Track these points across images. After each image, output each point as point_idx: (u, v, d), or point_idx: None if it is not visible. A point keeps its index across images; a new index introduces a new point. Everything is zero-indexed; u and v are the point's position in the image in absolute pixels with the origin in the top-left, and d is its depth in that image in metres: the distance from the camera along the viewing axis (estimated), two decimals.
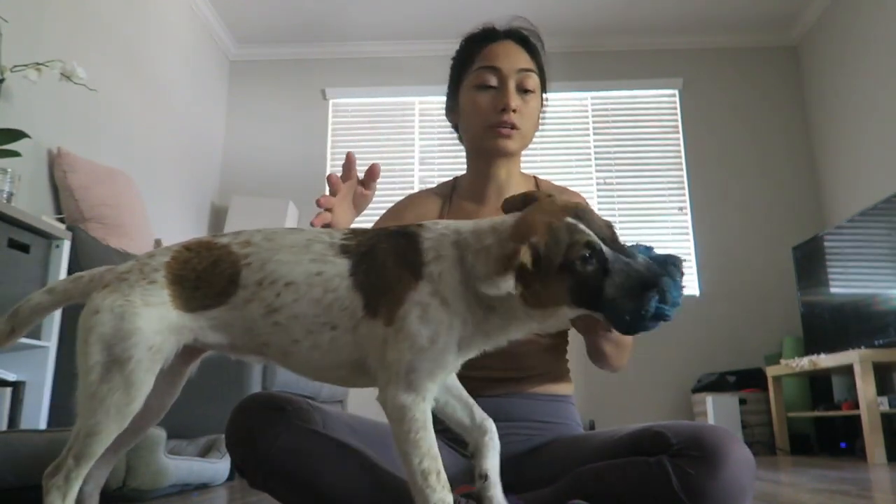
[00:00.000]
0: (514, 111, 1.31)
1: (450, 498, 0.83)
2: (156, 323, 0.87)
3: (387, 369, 0.86)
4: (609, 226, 0.86)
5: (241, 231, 0.97)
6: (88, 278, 0.94)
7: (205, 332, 0.91)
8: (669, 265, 0.83)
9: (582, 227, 0.82)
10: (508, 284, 0.79)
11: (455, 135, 1.48)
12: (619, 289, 0.80)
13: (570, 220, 0.82)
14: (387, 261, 0.89)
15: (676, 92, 5.05)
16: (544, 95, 1.41)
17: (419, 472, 0.83)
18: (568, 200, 0.88)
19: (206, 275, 0.91)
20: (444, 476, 0.84)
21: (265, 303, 0.89)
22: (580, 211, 0.85)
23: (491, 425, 0.96)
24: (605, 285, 0.81)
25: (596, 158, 4.97)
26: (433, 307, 0.85)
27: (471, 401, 0.98)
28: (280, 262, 0.91)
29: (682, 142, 4.98)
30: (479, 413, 0.97)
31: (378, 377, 0.88)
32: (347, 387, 0.97)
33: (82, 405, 0.86)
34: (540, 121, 1.43)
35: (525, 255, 0.80)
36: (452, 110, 1.44)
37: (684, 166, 4.93)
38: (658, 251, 0.88)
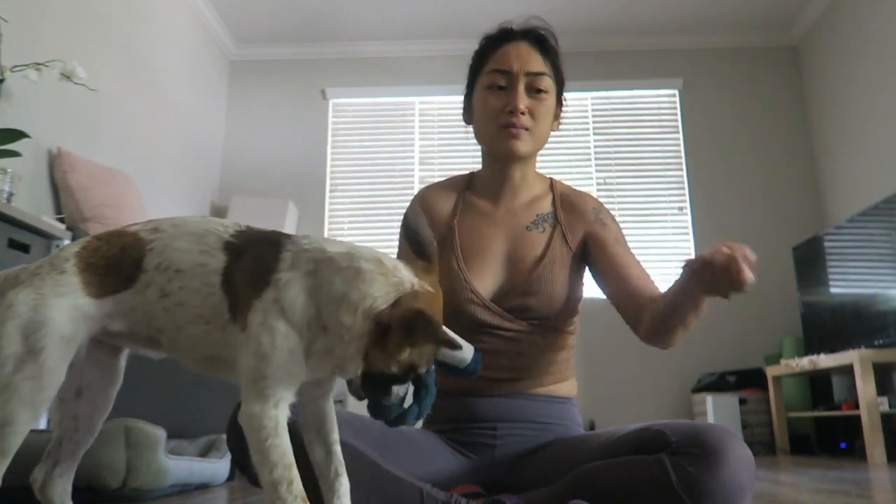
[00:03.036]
0: (523, 113, 1.30)
1: None
2: (67, 312, 0.88)
3: (242, 378, 0.84)
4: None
5: (154, 219, 0.98)
6: (3, 277, 0.94)
7: (111, 320, 0.92)
8: (429, 376, 0.90)
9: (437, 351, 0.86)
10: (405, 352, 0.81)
11: (459, 136, 1.48)
12: (393, 403, 0.86)
13: (440, 342, 0.82)
14: (248, 265, 0.88)
15: (676, 92, 5.04)
16: (564, 97, 1.41)
17: (270, 484, 0.80)
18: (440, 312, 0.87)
19: (114, 261, 0.92)
20: (296, 487, 0.80)
21: (159, 287, 0.90)
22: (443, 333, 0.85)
23: (344, 487, 0.92)
24: (395, 391, 0.86)
25: (596, 158, 4.97)
26: (272, 313, 0.83)
27: (337, 454, 0.94)
28: (176, 249, 0.91)
29: (682, 142, 4.98)
30: (338, 469, 0.93)
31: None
32: (228, 380, 0.95)
33: None
34: (560, 121, 1.43)
35: (439, 335, 0.79)
36: (468, 111, 1.43)
37: (684, 166, 4.93)
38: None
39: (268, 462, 0.80)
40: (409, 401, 0.90)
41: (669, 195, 4.92)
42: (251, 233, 0.94)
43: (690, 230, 4.80)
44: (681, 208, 4.88)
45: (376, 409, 0.87)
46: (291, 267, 0.86)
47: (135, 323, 0.93)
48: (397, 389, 0.86)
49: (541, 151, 1.41)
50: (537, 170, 1.46)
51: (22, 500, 1.10)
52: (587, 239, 1.35)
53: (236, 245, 0.91)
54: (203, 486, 2.39)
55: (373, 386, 0.85)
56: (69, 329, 0.88)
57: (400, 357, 0.81)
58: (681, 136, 4.99)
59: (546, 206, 1.39)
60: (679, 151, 4.98)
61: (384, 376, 0.83)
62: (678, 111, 5.02)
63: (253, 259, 0.88)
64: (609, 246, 1.32)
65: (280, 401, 0.82)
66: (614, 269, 1.31)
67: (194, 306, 0.89)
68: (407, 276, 0.83)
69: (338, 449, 0.94)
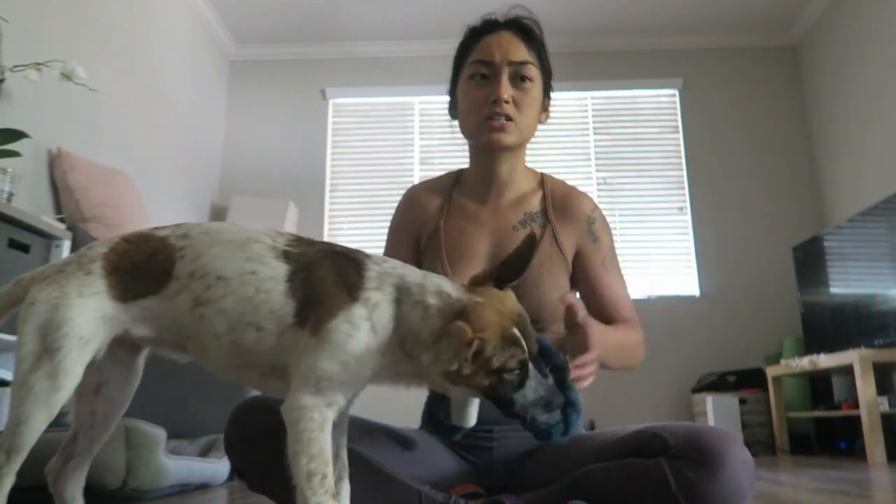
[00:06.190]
0: (507, 102, 1.28)
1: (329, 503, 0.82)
2: (89, 313, 0.88)
3: (299, 376, 0.85)
4: (536, 340, 0.90)
5: (182, 224, 0.97)
6: (29, 277, 0.94)
7: (135, 324, 0.91)
8: (569, 391, 0.96)
9: (522, 342, 0.86)
10: (462, 367, 0.82)
11: (459, 136, 1.45)
12: (528, 407, 0.88)
13: (515, 331, 0.85)
14: (327, 276, 0.89)
15: (676, 92, 5.04)
16: (552, 93, 1.39)
17: (304, 473, 0.81)
18: (516, 306, 0.89)
19: (142, 266, 0.91)
20: (329, 482, 0.82)
21: (193, 295, 0.89)
22: (523, 322, 0.88)
23: (345, 491, 0.94)
24: (517, 397, 0.87)
25: (596, 158, 4.97)
26: (363, 330, 0.85)
27: (343, 458, 0.96)
28: (213, 257, 0.90)
29: (682, 142, 4.98)
30: (341, 473, 0.95)
31: (291, 385, 0.87)
32: (259, 389, 0.97)
33: (14, 396, 0.86)
34: (548, 113, 1.40)
35: (475, 347, 0.82)
36: (454, 106, 1.41)
37: (684, 166, 4.92)
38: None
39: (307, 452, 0.82)
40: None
41: (669, 195, 4.91)
42: (315, 244, 0.94)
43: (690, 230, 4.80)
44: (681, 208, 4.88)
45: (528, 427, 0.95)
46: (379, 288, 0.88)
47: (162, 329, 0.92)
48: (521, 400, 0.87)
49: (541, 152, 1.40)
50: (535, 168, 1.43)
51: (25, 499, 1.10)
52: (577, 251, 1.33)
53: (298, 255, 0.91)
54: (203, 486, 2.39)
55: (497, 402, 0.88)
56: (88, 330, 0.87)
57: (468, 371, 0.82)
58: (681, 136, 4.99)
59: (535, 203, 1.36)
60: (679, 151, 4.97)
61: (494, 390, 0.86)
62: (678, 111, 5.02)
63: (334, 271, 0.89)
64: (594, 269, 1.32)
65: (334, 403, 0.85)
66: (594, 291, 1.31)
67: (241, 314, 0.88)
68: (455, 298, 0.87)
69: (345, 454, 0.95)
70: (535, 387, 0.87)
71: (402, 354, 0.88)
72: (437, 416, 1.10)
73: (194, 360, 0.96)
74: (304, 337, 0.86)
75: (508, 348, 0.84)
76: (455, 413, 1.04)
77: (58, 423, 0.92)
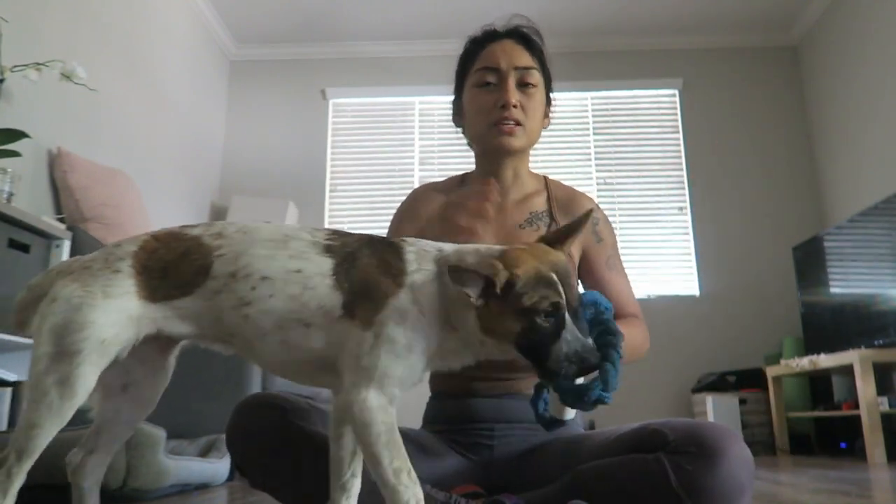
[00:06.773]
0: (515, 106, 1.31)
1: (421, 493, 0.84)
2: (113, 315, 0.85)
3: (358, 372, 0.85)
4: (577, 298, 0.89)
5: (213, 223, 0.96)
6: (56, 271, 0.91)
7: (170, 322, 0.89)
8: (610, 348, 0.91)
9: (559, 287, 0.84)
10: (474, 289, 0.82)
11: (459, 136, 1.47)
12: (562, 361, 0.84)
13: (552, 274, 0.85)
14: (370, 265, 0.89)
15: (676, 92, 5.04)
16: (552, 95, 1.42)
17: (391, 471, 0.83)
18: (559, 257, 0.89)
19: (173, 265, 0.90)
20: (414, 474, 0.85)
21: (237, 295, 0.88)
22: (563, 271, 0.87)
23: (356, 489, 0.95)
24: (552, 349, 0.84)
25: (596, 158, 4.97)
26: (412, 315, 0.86)
27: (358, 452, 0.95)
28: (256, 256, 0.89)
29: (682, 142, 4.98)
30: (356, 470, 0.95)
31: (345, 378, 0.87)
32: (306, 384, 0.97)
33: (27, 396, 0.84)
34: (549, 119, 1.43)
35: (500, 276, 0.82)
36: (458, 114, 1.44)
37: (684, 166, 4.93)
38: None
39: (391, 452, 0.83)
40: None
41: (669, 195, 4.91)
42: (353, 235, 0.95)
43: (690, 230, 4.80)
44: (681, 208, 4.88)
45: (560, 387, 0.91)
46: (419, 269, 0.90)
47: (203, 327, 0.91)
48: (557, 354, 0.84)
49: (541, 152, 1.41)
50: (536, 170, 1.46)
51: (26, 499, 1.10)
52: (582, 251, 1.36)
53: (339, 247, 0.91)
54: (203, 486, 2.39)
55: (531, 354, 0.85)
56: (110, 333, 0.84)
57: (503, 316, 0.84)
58: (681, 136, 4.99)
59: (540, 203, 1.38)
60: (679, 151, 4.98)
61: (528, 338, 0.84)
62: (678, 111, 5.02)
63: (377, 258, 0.90)
64: (599, 268, 1.35)
65: (394, 398, 0.86)
66: (599, 290, 1.32)
67: (288, 311, 0.88)
68: (495, 251, 0.89)
69: (359, 454, 0.95)
70: (570, 340, 0.84)
71: (445, 332, 0.89)
72: (537, 409, 1.10)
73: (237, 354, 0.95)
74: (357, 330, 0.86)
75: (541, 288, 0.83)
76: (553, 407, 1.05)
77: (79, 419, 0.90)
